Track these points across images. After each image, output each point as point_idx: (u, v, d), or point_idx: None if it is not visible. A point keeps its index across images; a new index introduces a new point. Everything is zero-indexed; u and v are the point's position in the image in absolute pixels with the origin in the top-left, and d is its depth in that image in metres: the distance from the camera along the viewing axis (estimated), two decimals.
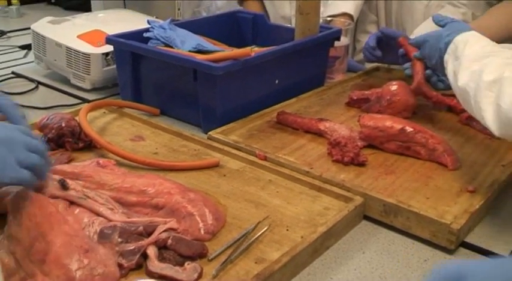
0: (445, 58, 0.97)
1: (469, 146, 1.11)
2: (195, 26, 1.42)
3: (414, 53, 1.28)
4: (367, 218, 0.92)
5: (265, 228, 0.84)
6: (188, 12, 2.17)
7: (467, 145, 1.11)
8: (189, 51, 1.26)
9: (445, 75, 0.99)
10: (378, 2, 1.74)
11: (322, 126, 1.14)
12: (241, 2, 1.88)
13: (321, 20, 1.45)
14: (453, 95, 1.00)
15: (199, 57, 1.19)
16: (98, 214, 0.81)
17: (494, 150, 1.09)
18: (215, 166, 1.03)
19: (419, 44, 1.12)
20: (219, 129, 1.15)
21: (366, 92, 1.28)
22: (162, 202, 0.85)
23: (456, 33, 0.96)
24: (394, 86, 1.22)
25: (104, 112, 1.26)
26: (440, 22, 1.06)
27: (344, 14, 1.64)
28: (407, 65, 1.32)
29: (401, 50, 1.33)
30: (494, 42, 0.94)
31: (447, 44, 0.97)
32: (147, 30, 1.33)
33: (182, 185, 0.90)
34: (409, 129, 1.05)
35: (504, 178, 0.98)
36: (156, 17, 1.66)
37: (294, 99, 1.32)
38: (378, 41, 1.40)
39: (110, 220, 0.80)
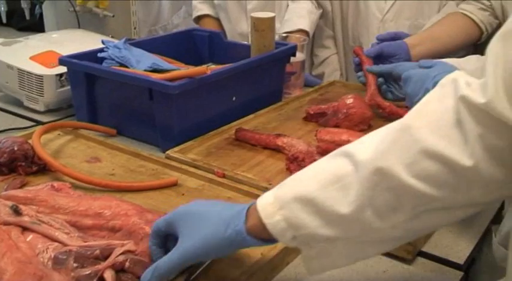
0: None
1: None
2: (151, 45, 1.42)
3: (367, 66, 1.32)
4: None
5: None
6: (144, 31, 2.17)
7: None
8: (145, 70, 1.26)
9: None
10: (334, 17, 1.77)
11: (280, 141, 1.15)
12: (197, 20, 1.89)
13: (276, 37, 1.47)
14: (405, 106, 1.03)
15: (155, 76, 1.18)
16: (53, 239, 0.79)
17: None
18: (173, 185, 1.02)
19: (403, 80, 1.03)
20: (176, 148, 1.14)
21: (323, 106, 1.30)
22: (119, 224, 0.84)
23: (444, 74, 0.91)
24: (349, 99, 1.24)
25: (59, 134, 1.24)
26: (425, 64, 1.02)
27: (300, 31, 1.66)
28: (360, 73, 1.35)
29: (356, 59, 1.36)
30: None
31: (435, 85, 0.92)
32: (101, 50, 1.32)
33: (139, 206, 0.89)
34: None
35: None
36: (112, 37, 1.65)
37: (251, 116, 1.33)
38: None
39: (65, 245, 0.78)
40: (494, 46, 0.58)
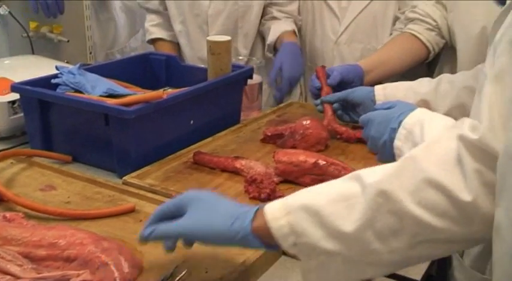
0: (396, 144, 0.90)
1: None
2: (107, 70, 1.41)
3: (322, 97, 1.35)
4: (286, 253, 0.93)
5: (184, 272, 0.84)
6: (101, 55, 2.16)
7: None
8: (100, 96, 1.25)
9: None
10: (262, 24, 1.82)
11: (238, 164, 1.15)
12: (151, 42, 1.89)
13: (233, 59, 1.49)
14: (361, 127, 1.05)
15: (111, 101, 1.18)
16: (5, 272, 0.78)
17: None
18: (131, 211, 1.02)
19: (363, 123, 1.01)
20: (134, 174, 1.14)
21: (280, 128, 1.31)
22: (74, 254, 0.83)
23: (408, 113, 0.90)
24: (306, 121, 1.26)
25: (12, 162, 1.22)
26: (385, 106, 1.00)
27: (287, 32, 1.71)
28: (317, 101, 1.38)
29: (316, 82, 1.38)
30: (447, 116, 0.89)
31: (400, 124, 0.90)
32: (55, 76, 1.31)
33: (96, 234, 0.88)
34: (322, 162, 1.09)
35: None
36: (67, 62, 1.64)
37: (210, 139, 1.33)
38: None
39: (18, 278, 0.77)
40: (487, 88, 0.61)
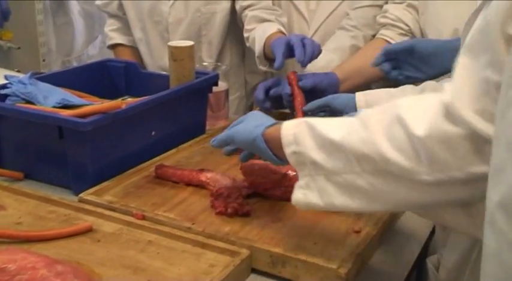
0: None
1: None
2: (60, 79, 1.39)
3: (304, 108, 1.34)
4: (255, 270, 0.93)
5: None
6: (57, 63, 2.13)
7: None
8: (53, 107, 1.23)
9: None
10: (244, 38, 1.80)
11: (203, 177, 1.14)
12: (111, 47, 1.87)
13: (197, 65, 1.48)
14: None
15: (65, 113, 1.16)
16: None
17: None
18: (88, 231, 1.00)
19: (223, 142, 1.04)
20: (91, 190, 1.12)
21: None
22: (26, 279, 0.81)
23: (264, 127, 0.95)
24: None
25: None
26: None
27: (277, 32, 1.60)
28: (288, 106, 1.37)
29: (286, 88, 1.38)
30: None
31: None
32: (4, 86, 1.28)
33: (49, 257, 0.86)
34: (292, 173, 1.09)
35: (387, 216, 1.04)
36: (18, 71, 1.62)
37: (173, 150, 1.32)
38: (266, 91, 1.45)
39: None
40: (461, 59, 0.70)
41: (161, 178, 1.19)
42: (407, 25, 1.48)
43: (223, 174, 1.16)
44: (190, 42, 1.38)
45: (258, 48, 1.58)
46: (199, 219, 1.03)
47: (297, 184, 0.86)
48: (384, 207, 0.83)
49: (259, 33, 1.59)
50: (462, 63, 0.70)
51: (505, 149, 0.59)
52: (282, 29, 1.58)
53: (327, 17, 1.65)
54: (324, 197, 0.83)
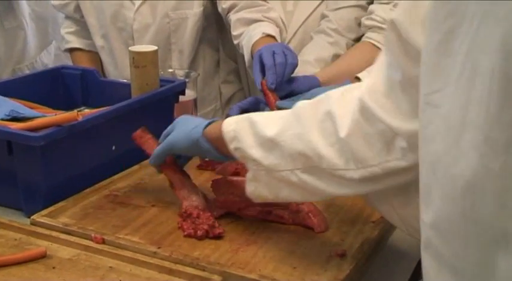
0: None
1: (336, 204, 1.16)
2: (9, 88, 1.38)
3: (277, 102, 1.35)
4: None
5: None
6: (7, 71, 2.10)
7: (333, 202, 1.16)
8: (2, 119, 1.22)
9: None
10: (235, 46, 1.81)
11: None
12: (68, 51, 1.86)
13: (161, 72, 1.47)
14: None
15: (14, 126, 1.15)
16: None
17: (362, 206, 1.15)
18: (41, 257, 0.99)
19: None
20: (44, 211, 1.11)
21: None
22: None
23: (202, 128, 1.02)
24: None
25: None
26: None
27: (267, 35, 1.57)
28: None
29: (261, 98, 1.38)
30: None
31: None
32: None
33: None
34: None
35: (375, 235, 1.04)
36: None
37: (136, 167, 1.32)
38: (241, 113, 1.45)
39: None
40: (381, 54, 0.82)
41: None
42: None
43: (193, 189, 1.14)
44: (154, 47, 1.38)
45: (246, 58, 1.58)
46: (166, 242, 1.02)
47: (247, 176, 0.96)
48: (319, 199, 1.00)
49: (245, 42, 1.59)
50: (380, 59, 0.81)
51: (428, 170, 0.64)
52: (269, 30, 1.56)
53: (306, 19, 1.66)
54: (270, 190, 0.94)
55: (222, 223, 1.07)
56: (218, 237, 1.03)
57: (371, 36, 1.53)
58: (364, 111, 0.81)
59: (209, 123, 1.01)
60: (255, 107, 1.44)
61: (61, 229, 1.05)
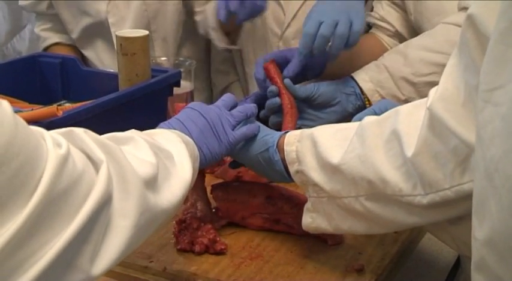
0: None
1: None
2: None
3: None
4: None
5: None
6: None
7: None
8: None
9: None
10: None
11: None
12: (47, 49, 1.88)
13: (153, 60, 1.48)
14: None
15: None
16: None
17: None
18: None
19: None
20: None
21: None
22: None
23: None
24: None
25: None
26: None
27: None
28: (273, 101, 1.38)
29: (272, 88, 1.39)
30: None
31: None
32: None
33: None
34: (276, 197, 1.10)
35: (397, 248, 1.06)
36: None
37: None
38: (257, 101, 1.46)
39: None
40: (450, 59, 0.78)
41: None
42: (392, 26, 1.56)
43: (201, 194, 1.14)
44: (144, 32, 1.39)
45: (211, 19, 1.64)
46: (159, 256, 1.03)
47: (305, 206, 0.98)
48: (386, 230, 0.97)
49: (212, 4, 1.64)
50: (450, 64, 0.78)
51: (483, 178, 0.62)
52: None
53: (304, 2, 1.68)
54: (330, 221, 0.95)
55: (222, 233, 1.08)
56: (220, 253, 1.04)
57: (376, 33, 1.60)
58: (435, 124, 0.79)
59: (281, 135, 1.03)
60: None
61: None
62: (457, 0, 1.40)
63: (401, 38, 1.57)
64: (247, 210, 1.11)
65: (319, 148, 0.94)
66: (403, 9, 1.55)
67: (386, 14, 1.57)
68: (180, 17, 1.79)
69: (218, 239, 1.05)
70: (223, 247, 1.05)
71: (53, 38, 1.85)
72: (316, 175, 0.94)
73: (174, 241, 1.07)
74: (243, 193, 1.11)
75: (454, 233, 0.89)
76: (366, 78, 1.41)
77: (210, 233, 1.05)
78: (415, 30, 1.53)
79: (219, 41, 1.68)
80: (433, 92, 0.80)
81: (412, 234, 1.10)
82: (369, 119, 0.92)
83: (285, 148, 0.98)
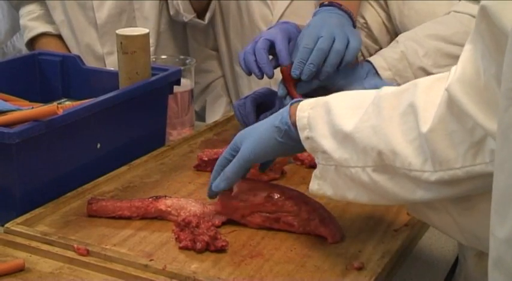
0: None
1: (352, 211, 1.18)
2: None
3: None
4: None
5: None
6: None
7: (350, 208, 1.19)
8: None
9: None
10: (216, 33, 1.87)
11: (162, 206, 1.14)
12: (30, 44, 1.89)
13: (153, 59, 1.49)
14: None
15: None
16: None
17: (383, 212, 1.17)
18: (19, 270, 1.01)
19: None
20: (20, 219, 1.13)
21: (220, 150, 1.32)
22: None
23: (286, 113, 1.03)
24: None
25: None
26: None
27: None
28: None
29: (282, 89, 1.39)
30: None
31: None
32: None
33: None
34: (276, 195, 1.11)
35: (397, 246, 1.06)
36: None
37: (124, 168, 1.34)
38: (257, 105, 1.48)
39: None
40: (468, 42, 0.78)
41: (98, 216, 1.16)
42: (363, 18, 1.59)
43: (189, 198, 1.17)
44: (144, 30, 1.40)
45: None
46: (159, 254, 1.04)
47: (314, 173, 1.01)
48: (389, 202, 0.99)
49: None
50: (467, 49, 0.78)
51: (509, 176, 0.62)
52: None
53: (291, 2, 1.69)
54: (336, 190, 0.98)
55: (222, 232, 1.09)
56: (221, 250, 1.05)
57: None
58: (452, 105, 0.80)
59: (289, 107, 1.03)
60: (270, 99, 1.47)
61: (40, 238, 1.07)
62: (448, 1, 1.42)
63: (368, 33, 1.61)
64: (247, 208, 1.11)
65: (332, 116, 0.95)
66: (380, 6, 1.58)
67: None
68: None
69: (219, 236, 1.06)
70: (224, 244, 1.05)
71: (40, 27, 1.87)
72: (326, 142, 0.95)
73: (174, 239, 1.08)
74: (243, 191, 1.12)
75: (462, 226, 0.90)
76: (385, 66, 1.43)
77: (211, 230, 1.06)
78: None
79: (187, 11, 1.73)
80: (452, 72, 0.79)
81: (412, 232, 1.11)
82: (386, 90, 0.94)
83: (297, 113, 0.99)
